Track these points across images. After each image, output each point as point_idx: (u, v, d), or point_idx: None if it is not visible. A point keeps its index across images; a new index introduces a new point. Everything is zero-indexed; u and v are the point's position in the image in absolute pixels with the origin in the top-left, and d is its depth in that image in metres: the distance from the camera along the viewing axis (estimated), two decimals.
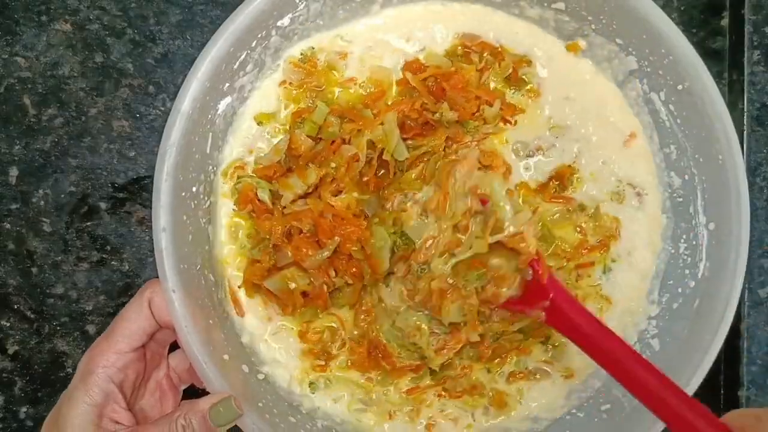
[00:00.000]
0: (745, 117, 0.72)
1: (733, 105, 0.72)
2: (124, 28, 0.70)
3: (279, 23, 0.62)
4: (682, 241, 0.66)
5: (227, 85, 0.62)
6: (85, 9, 0.69)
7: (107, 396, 0.55)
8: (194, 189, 0.61)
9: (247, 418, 0.57)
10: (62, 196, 0.70)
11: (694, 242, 0.65)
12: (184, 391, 0.64)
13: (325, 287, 0.63)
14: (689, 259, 0.65)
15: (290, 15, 0.62)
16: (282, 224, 0.63)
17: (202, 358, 0.57)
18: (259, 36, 0.61)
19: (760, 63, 0.72)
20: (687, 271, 0.66)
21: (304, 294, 0.63)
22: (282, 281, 0.63)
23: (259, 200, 0.64)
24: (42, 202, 0.70)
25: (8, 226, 0.70)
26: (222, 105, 0.62)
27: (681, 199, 0.66)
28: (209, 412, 0.54)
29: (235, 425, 0.56)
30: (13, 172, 0.70)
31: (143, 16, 0.70)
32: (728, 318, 0.60)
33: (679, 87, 0.62)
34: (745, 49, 0.72)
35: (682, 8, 0.72)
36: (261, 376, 0.65)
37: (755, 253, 0.72)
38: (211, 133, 0.62)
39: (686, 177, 0.65)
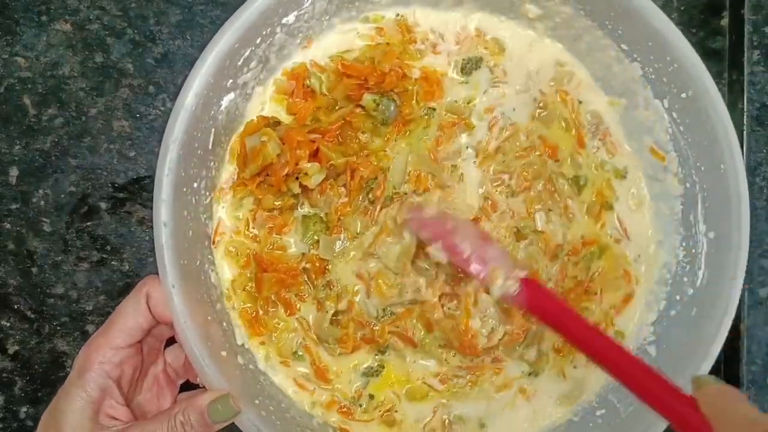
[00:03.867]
0: (745, 117, 0.72)
1: (733, 105, 0.72)
2: (124, 28, 0.70)
3: (284, 20, 0.62)
4: (681, 248, 0.66)
5: (230, 81, 0.62)
6: (85, 9, 0.70)
7: (104, 391, 0.55)
8: (195, 185, 0.61)
9: (244, 415, 0.57)
10: (62, 196, 0.70)
11: (693, 250, 0.65)
12: (180, 384, 0.64)
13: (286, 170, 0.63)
14: (688, 267, 0.65)
15: (296, 12, 0.62)
16: (317, 104, 0.65)
17: (200, 355, 0.57)
18: (264, 33, 0.61)
19: (760, 63, 0.72)
20: (685, 279, 0.65)
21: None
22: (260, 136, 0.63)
23: (305, 86, 0.66)
24: (42, 202, 0.70)
25: (8, 226, 0.70)
26: (225, 101, 0.62)
27: (681, 207, 0.66)
28: (207, 409, 0.54)
29: (233, 422, 0.56)
30: (13, 172, 0.70)
31: (143, 16, 0.70)
32: (725, 326, 0.60)
33: (683, 95, 0.62)
34: (745, 49, 0.72)
35: (682, 8, 0.72)
36: (258, 374, 0.65)
37: (755, 252, 0.72)
38: (213, 129, 0.62)
39: (687, 185, 0.65)
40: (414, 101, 0.66)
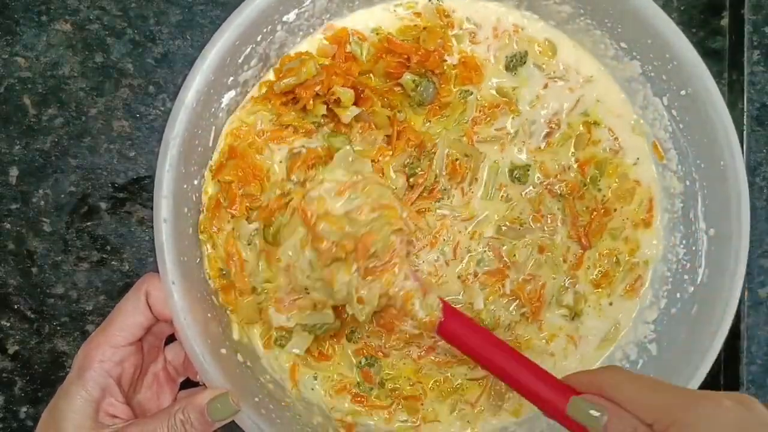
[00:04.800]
0: (745, 117, 0.72)
1: (733, 105, 0.72)
2: (124, 28, 0.70)
3: (285, 18, 0.62)
4: (682, 246, 0.66)
5: (231, 79, 0.62)
6: (85, 9, 0.70)
7: (104, 390, 0.55)
8: (195, 182, 0.62)
9: (244, 413, 0.57)
10: (62, 196, 0.70)
11: (693, 248, 0.65)
12: (180, 382, 0.64)
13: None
14: (688, 264, 0.65)
15: (296, 11, 0.62)
16: (361, 69, 0.65)
17: (200, 353, 0.56)
18: (265, 30, 0.61)
19: (760, 63, 0.72)
20: (686, 277, 0.66)
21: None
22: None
23: (346, 51, 0.65)
24: (42, 202, 0.70)
25: (8, 226, 0.70)
26: (225, 99, 0.62)
27: (682, 204, 0.66)
28: (207, 408, 0.54)
29: (232, 420, 0.56)
30: (13, 172, 0.70)
31: (143, 16, 0.70)
32: (726, 324, 0.60)
33: (683, 92, 0.62)
34: (745, 49, 0.72)
35: (682, 8, 0.72)
36: (258, 371, 0.65)
37: (755, 252, 0.72)
38: (213, 127, 0.62)
39: (687, 182, 0.65)
40: (451, 84, 0.66)
